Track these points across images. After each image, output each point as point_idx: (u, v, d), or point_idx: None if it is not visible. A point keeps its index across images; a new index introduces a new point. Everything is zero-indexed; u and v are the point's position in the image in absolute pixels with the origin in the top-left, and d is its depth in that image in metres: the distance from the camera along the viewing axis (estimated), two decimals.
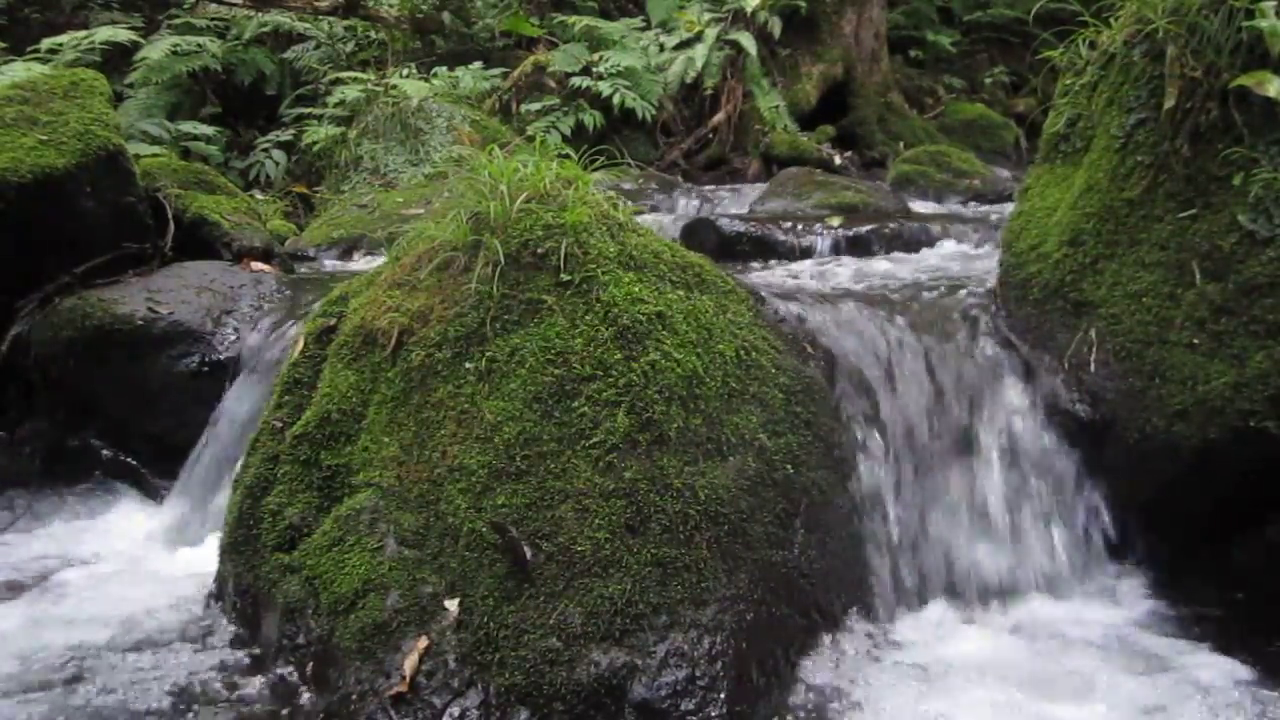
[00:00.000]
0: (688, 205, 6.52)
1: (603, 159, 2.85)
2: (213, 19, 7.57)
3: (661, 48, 8.36)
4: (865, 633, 2.48)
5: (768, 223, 5.14)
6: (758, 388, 2.56)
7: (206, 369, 3.50)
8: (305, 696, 2.29)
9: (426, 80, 6.98)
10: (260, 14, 7.64)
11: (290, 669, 2.36)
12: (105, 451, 3.55)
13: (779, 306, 2.96)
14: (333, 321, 2.81)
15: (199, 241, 4.14)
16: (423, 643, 2.19)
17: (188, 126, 6.64)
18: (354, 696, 2.19)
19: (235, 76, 7.36)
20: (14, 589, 2.87)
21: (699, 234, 4.89)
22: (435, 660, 2.17)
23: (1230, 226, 2.52)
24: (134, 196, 3.83)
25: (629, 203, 2.86)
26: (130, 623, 2.62)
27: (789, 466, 2.49)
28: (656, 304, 2.51)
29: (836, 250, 4.85)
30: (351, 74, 7.14)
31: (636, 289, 2.51)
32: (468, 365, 2.46)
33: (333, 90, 7.01)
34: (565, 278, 2.49)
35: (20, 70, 5.63)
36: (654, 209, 6.30)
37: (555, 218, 2.56)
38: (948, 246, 4.79)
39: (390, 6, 8.05)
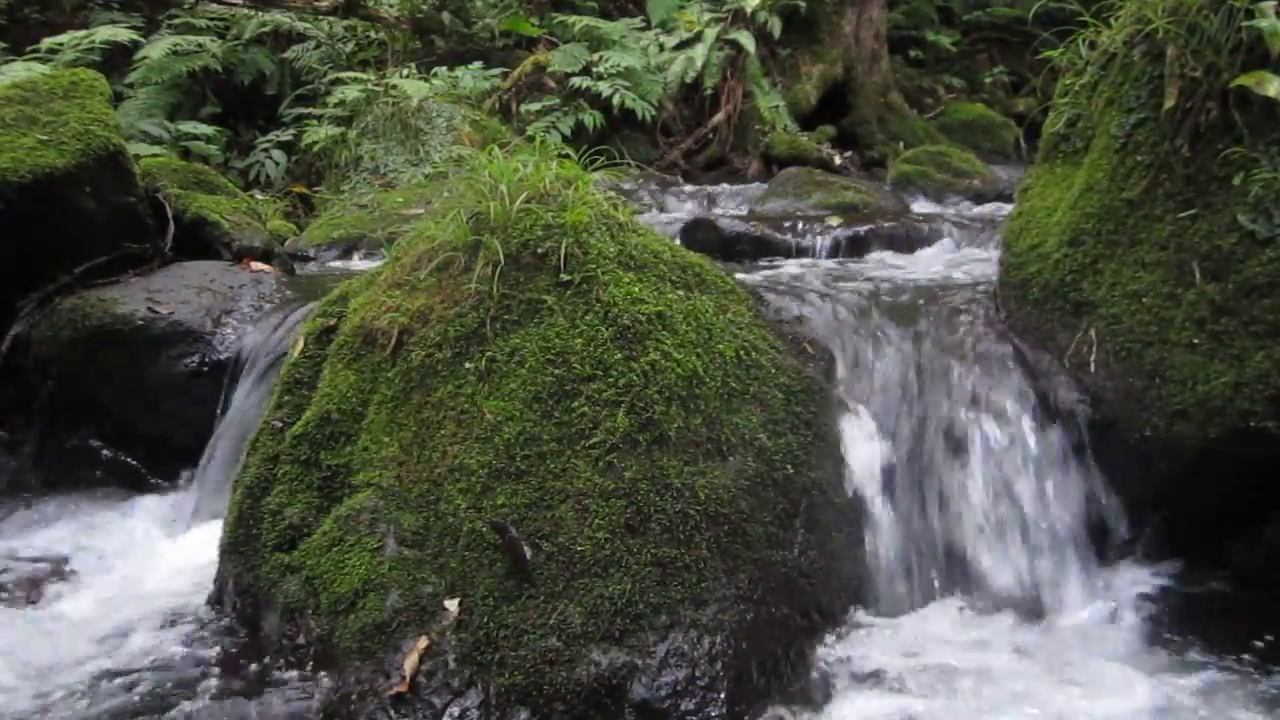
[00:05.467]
0: (688, 205, 6.52)
1: (603, 159, 2.85)
2: (213, 19, 7.57)
3: (661, 48, 8.35)
4: (866, 633, 2.47)
5: (768, 223, 5.14)
6: (758, 388, 2.56)
7: (206, 369, 3.50)
8: (305, 697, 2.29)
9: (426, 80, 6.97)
10: (260, 14, 7.63)
11: (290, 669, 2.36)
12: (105, 451, 3.55)
13: (779, 306, 2.96)
14: (333, 321, 2.81)
15: (199, 241, 4.13)
16: (423, 643, 2.19)
17: (188, 126, 6.63)
18: (354, 696, 2.19)
19: (235, 76, 7.36)
20: (13, 589, 2.87)
21: (699, 234, 4.88)
22: (435, 660, 2.18)
23: (1230, 226, 2.52)
24: (134, 196, 3.83)
25: (629, 203, 2.86)
26: (129, 623, 2.63)
27: (789, 466, 2.49)
28: (656, 304, 2.51)
29: (836, 250, 4.85)
30: (351, 74, 7.14)
31: (636, 289, 2.51)
32: (468, 365, 2.46)
33: (333, 90, 7.00)
34: (565, 278, 2.49)
35: (20, 70, 5.63)
36: (654, 209, 6.30)
37: (555, 218, 2.56)
38: (947, 246, 4.79)
39: (390, 6, 8.05)
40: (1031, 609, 2.62)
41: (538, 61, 7.85)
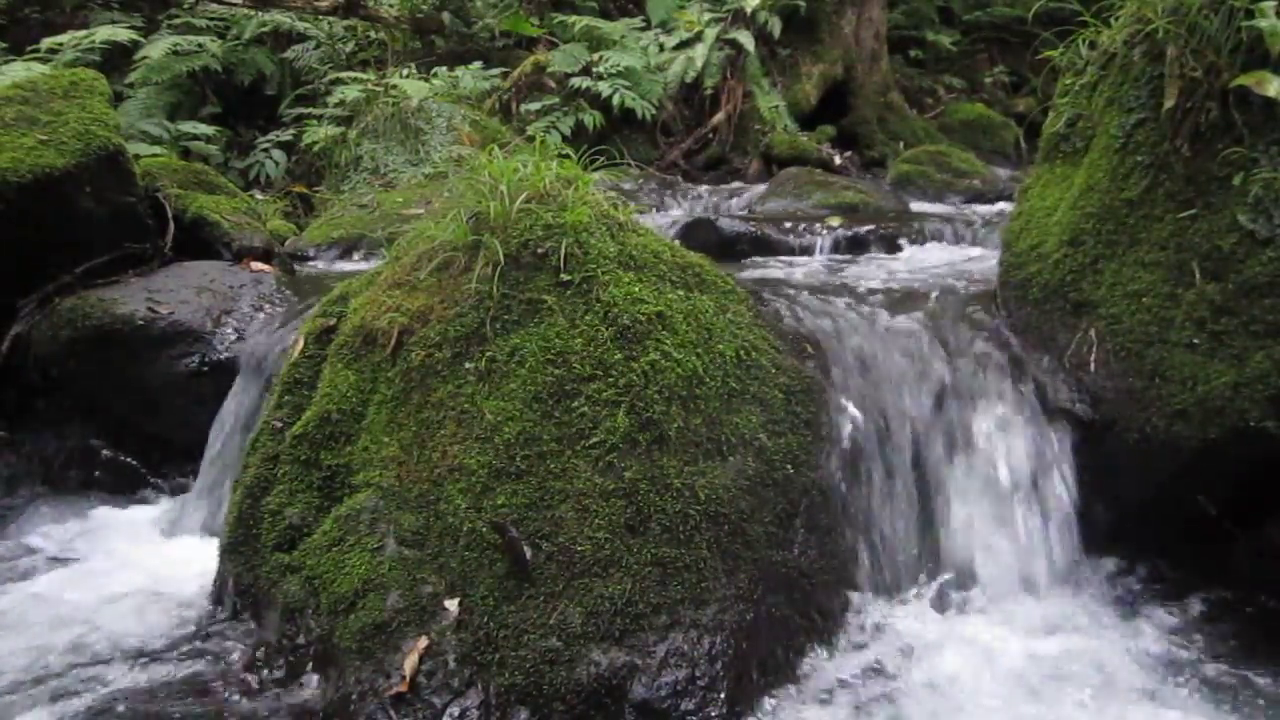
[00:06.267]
0: (688, 205, 6.52)
1: (603, 159, 2.85)
2: (213, 19, 7.56)
3: (661, 48, 8.35)
4: (865, 633, 2.47)
5: (768, 223, 5.14)
6: (758, 388, 2.56)
7: (206, 369, 3.50)
8: (305, 696, 2.29)
9: (426, 80, 6.97)
10: (260, 14, 7.63)
11: (290, 669, 2.36)
12: (105, 451, 3.55)
13: (779, 306, 2.96)
14: (333, 321, 2.81)
15: (199, 241, 4.14)
16: (423, 643, 2.19)
17: (188, 126, 6.63)
18: (354, 696, 2.19)
19: (235, 76, 7.35)
20: (13, 590, 2.87)
21: (699, 234, 4.88)
22: (435, 660, 2.18)
23: (1230, 226, 2.52)
24: (134, 196, 3.83)
25: (629, 203, 2.86)
26: (129, 623, 2.63)
27: (789, 466, 2.49)
28: (656, 304, 2.51)
29: (836, 250, 4.85)
30: (351, 74, 7.13)
31: (636, 289, 2.51)
32: (468, 365, 2.46)
33: (333, 90, 7.00)
34: (565, 278, 2.49)
35: (20, 70, 5.63)
36: (654, 209, 6.30)
37: (555, 218, 2.56)
38: (947, 246, 4.79)
39: (390, 6, 8.05)
40: (1029, 608, 2.62)
41: (538, 61, 7.84)
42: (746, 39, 8.25)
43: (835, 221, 5.12)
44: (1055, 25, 3.19)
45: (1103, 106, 2.89)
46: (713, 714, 2.13)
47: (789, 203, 5.92)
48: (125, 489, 3.50)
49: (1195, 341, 2.54)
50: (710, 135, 8.28)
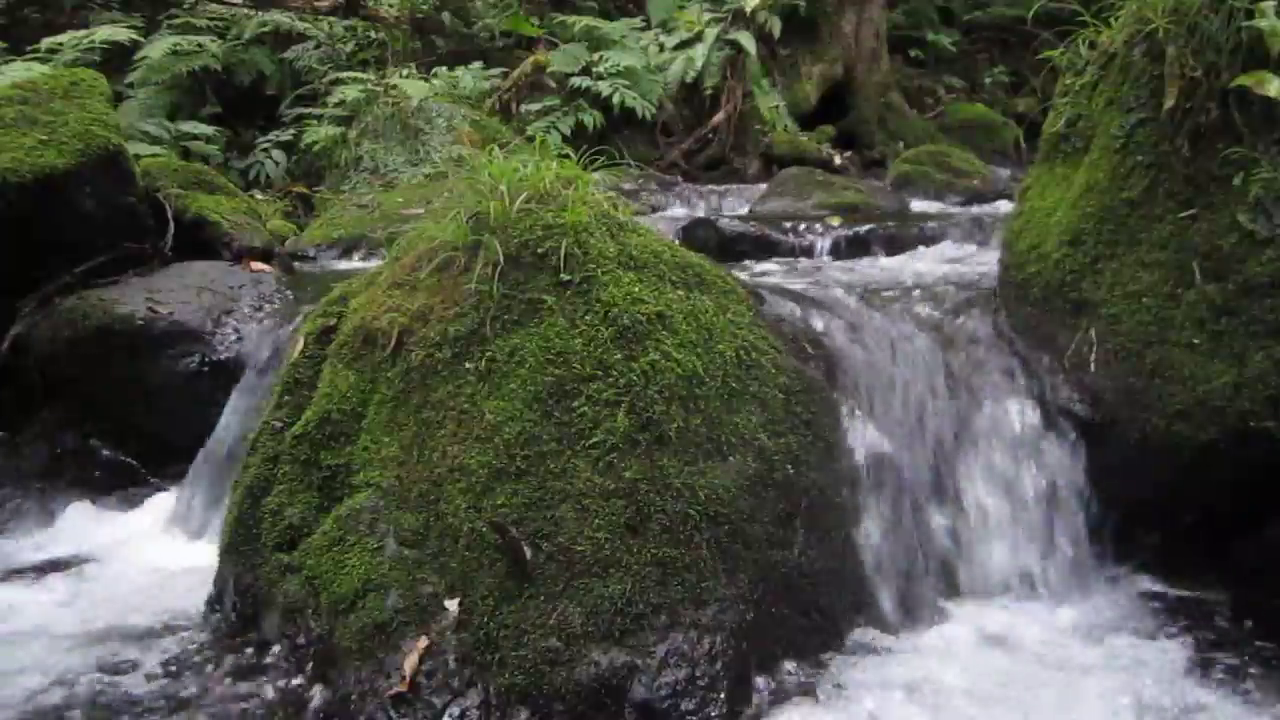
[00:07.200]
0: (688, 205, 6.53)
1: (603, 159, 2.85)
2: (213, 19, 7.57)
3: (661, 48, 8.36)
4: (865, 633, 2.47)
5: (768, 223, 5.14)
6: (758, 388, 2.56)
7: (206, 369, 3.50)
8: (305, 696, 2.29)
9: (426, 80, 6.98)
10: (260, 14, 7.63)
11: (290, 669, 2.36)
12: (104, 451, 3.55)
13: (779, 306, 2.96)
14: (333, 321, 2.81)
15: (199, 241, 4.14)
16: (423, 643, 2.20)
17: (188, 126, 6.63)
18: (354, 696, 2.20)
19: (235, 76, 7.36)
20: (12, 590, 2.87)
21: (699, 234, 4.88)
22: (435, 660, 2.18)
23: (1230, 226, 2.52)
24: (134, 196, 3.83)
25: (629, 203, 2.86)
26: (129, 622, 2.62)
27: (789, 466, 2.49)
28: (656, 304, 2.51)
29: (837, 250, 4.84)
30: (351, 74, 7.14)
31: (636, 289, 2.51)
32: (468, 365, 2.46)
33: (333, 90, 7.01)
34: (565, 278, 2.49)
35: (20, 70, 5.63)
36: (654, 209, 6.30)
37: (555, 218, 2.56)
38: (947, 246, 4.79)
39: (390, 6, 8.05)
40: (1029, 608, 2.63)
41: (538, 61, 7.85)
42: (746, 39, 8.25)
43: (836, 221, 5.12)
44: (1055, 25, 3.20)
45: (1103, 106, 2.89)
46: (713, 714, 2.13)
47: (789, 203, 5.92)
48: (125, 489, 3.50)
49: (1195, 341, 2.54)
50: (710, 135, 8.28)
